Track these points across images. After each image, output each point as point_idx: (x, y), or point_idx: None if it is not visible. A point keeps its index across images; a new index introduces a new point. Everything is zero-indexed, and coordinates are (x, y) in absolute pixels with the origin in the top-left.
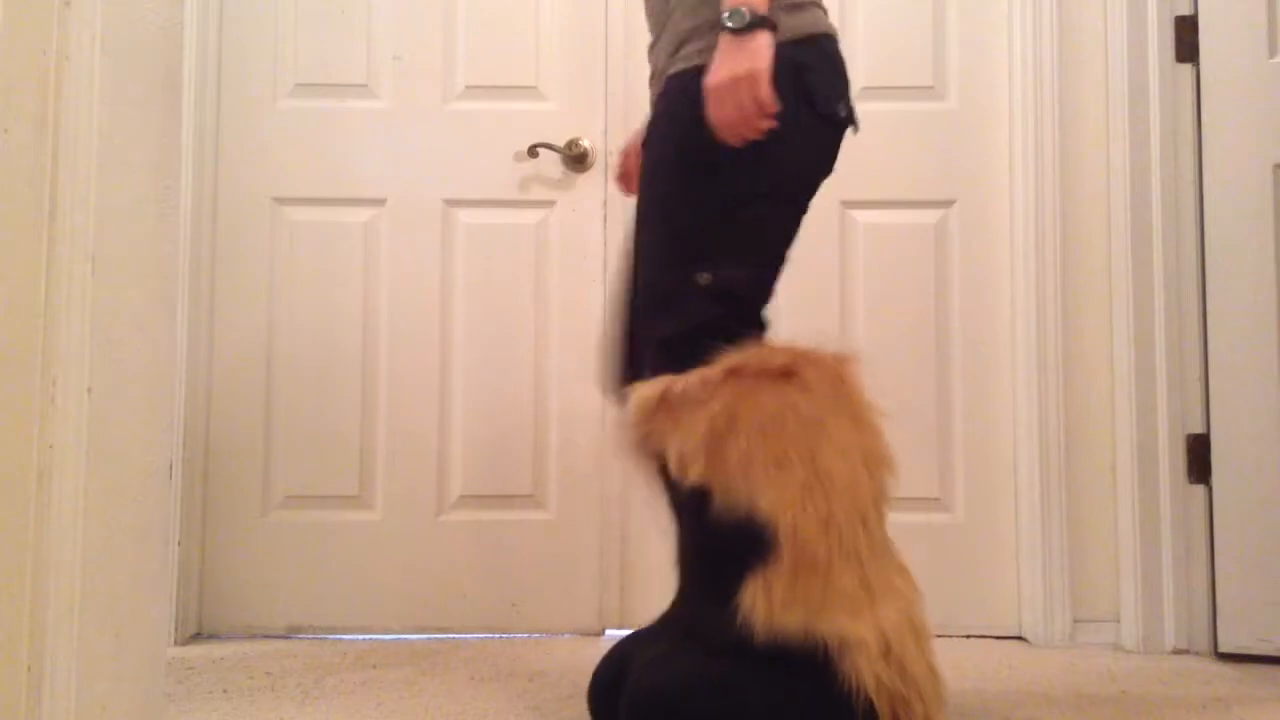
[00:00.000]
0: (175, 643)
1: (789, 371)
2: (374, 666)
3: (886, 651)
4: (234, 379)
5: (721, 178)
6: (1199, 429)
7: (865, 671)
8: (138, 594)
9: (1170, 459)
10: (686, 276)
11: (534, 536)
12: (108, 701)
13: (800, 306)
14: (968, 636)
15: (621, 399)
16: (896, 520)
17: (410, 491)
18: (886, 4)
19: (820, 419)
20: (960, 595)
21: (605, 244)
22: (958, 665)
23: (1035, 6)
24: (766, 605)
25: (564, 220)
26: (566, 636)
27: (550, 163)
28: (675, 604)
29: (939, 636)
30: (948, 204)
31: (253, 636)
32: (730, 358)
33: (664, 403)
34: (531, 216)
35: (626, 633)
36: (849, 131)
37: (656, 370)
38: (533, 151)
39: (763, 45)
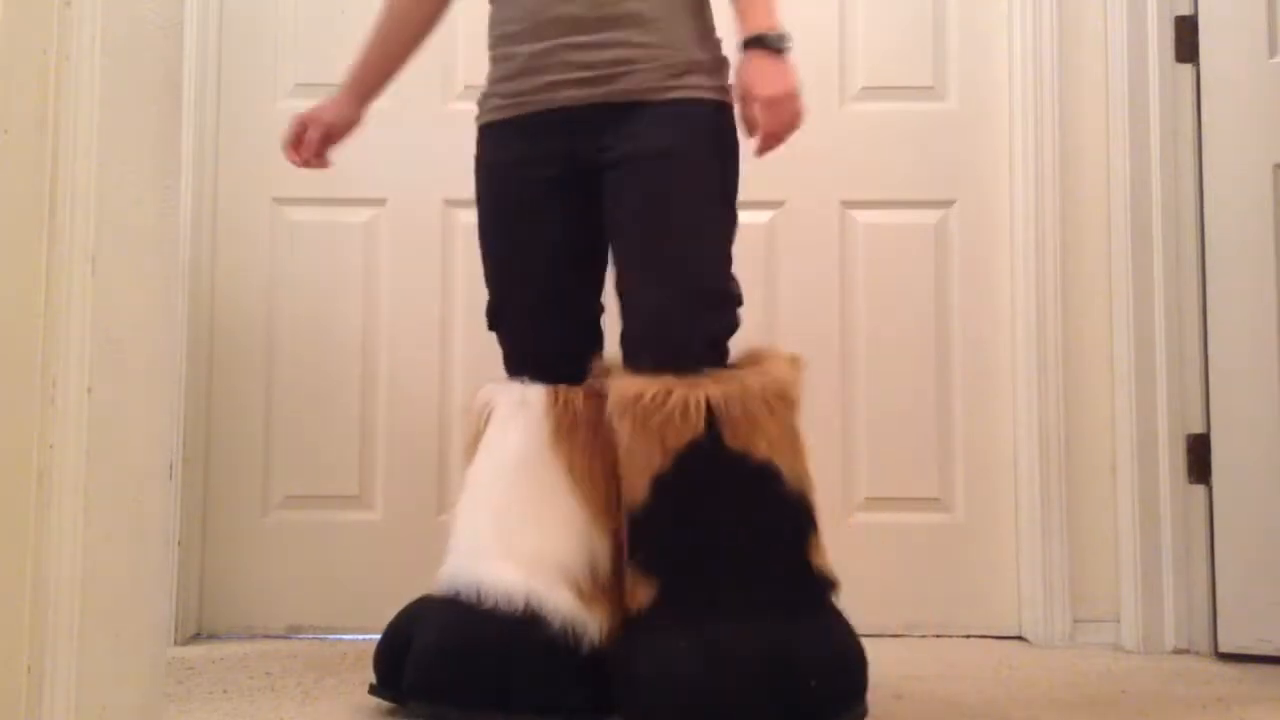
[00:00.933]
0: (175, 643)
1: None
2: None
3: None
4: (234, 379)
5: (734, 198)
6: (1199, 429)
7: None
8: (138, 594)
9: (1170, 459)
10: (731, 284)
11: None
12: (108, 701)
13: (800, 306)
14: (968, 636)
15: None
16: (897, 520)
17: (410, 491)
18: (886, 4)
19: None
20: (960, 595)
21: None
22: (958, 665)
23: (1035, 6)
24: (824, 561)
25: None
26: None
27: None
28: (672, 593)
29: (939, 636)
30: (948, 204)
31: (253, 636)
32: (754, 352)
33: (751, 393)
34: None
35: None
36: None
37: (712, 364)
38: None
39: (792, 65)
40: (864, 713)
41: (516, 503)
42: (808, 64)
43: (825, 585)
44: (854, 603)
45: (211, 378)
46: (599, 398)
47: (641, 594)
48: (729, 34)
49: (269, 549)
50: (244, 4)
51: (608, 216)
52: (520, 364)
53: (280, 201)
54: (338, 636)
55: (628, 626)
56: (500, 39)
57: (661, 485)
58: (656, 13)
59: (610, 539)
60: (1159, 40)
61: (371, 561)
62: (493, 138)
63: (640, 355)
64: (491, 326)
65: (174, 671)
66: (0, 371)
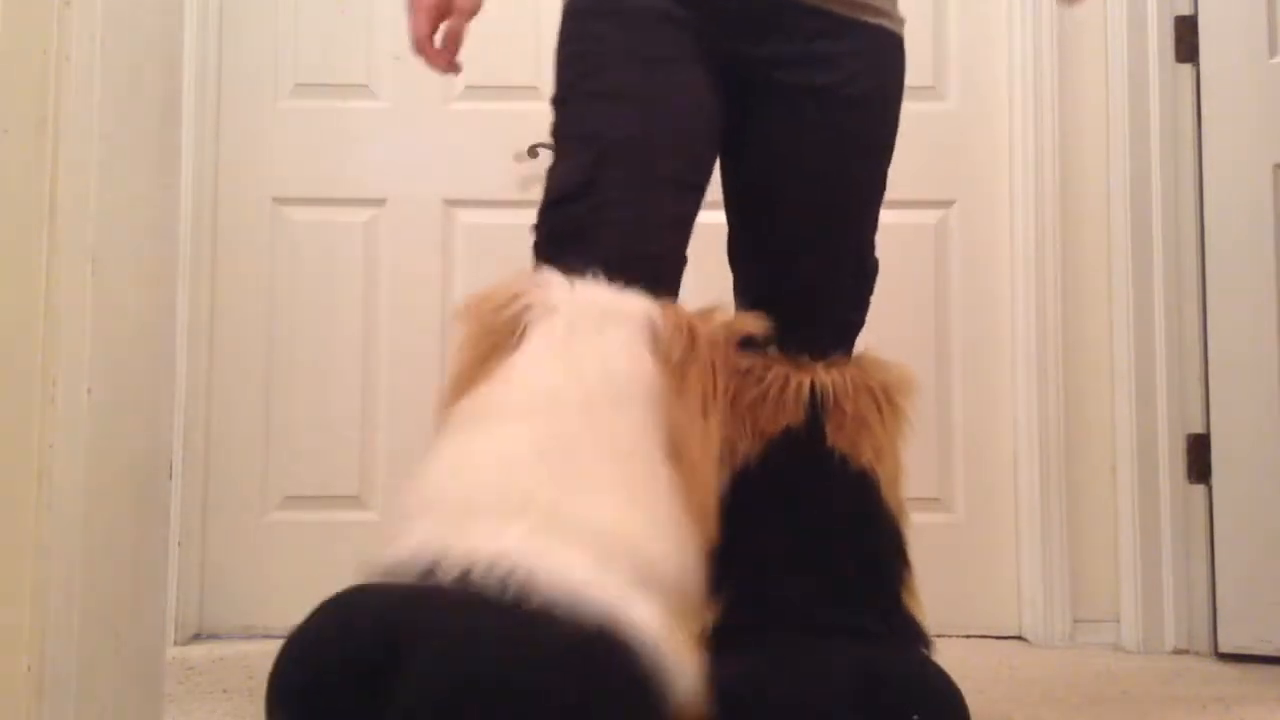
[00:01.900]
0: (175, 643)
1: None
2: None
3: None
4: (234, 379)
5: None
6: (1199, 429)
7: None
8: (138, 594)
9: (1170, 459)
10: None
11: None
12: (108, 701)
13: None
14: (968, 636)
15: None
16: None
17: None
18: None
19: None
20: (960, 595)
21: None
22: (958, 665)
23: (1035, 6)
24: (919, 609)
25: None
26: None
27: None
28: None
29: (939, 636)
30: (948, 204)
31: (253, 636)
32: (857, 355)
33: (864, 388)
34: (531, 216)
35: None
36: None
37: (847, 352)
38: (533, 151)
39: None
40: None
41: (586, 451)
42: None
43: (918, 635)
44: None
45: (211, 378)
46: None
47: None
48: None
49: (269, 549)
50: (244, 4)
51: (758, 148)
52: (603, 261)
53: (280, 201)
54: None
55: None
56: None
57: (745, 479)
58: None
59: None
60: (1159, 40)
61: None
62: None
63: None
64: (558, 213)
65: (174, 671)
66: (0, 371)
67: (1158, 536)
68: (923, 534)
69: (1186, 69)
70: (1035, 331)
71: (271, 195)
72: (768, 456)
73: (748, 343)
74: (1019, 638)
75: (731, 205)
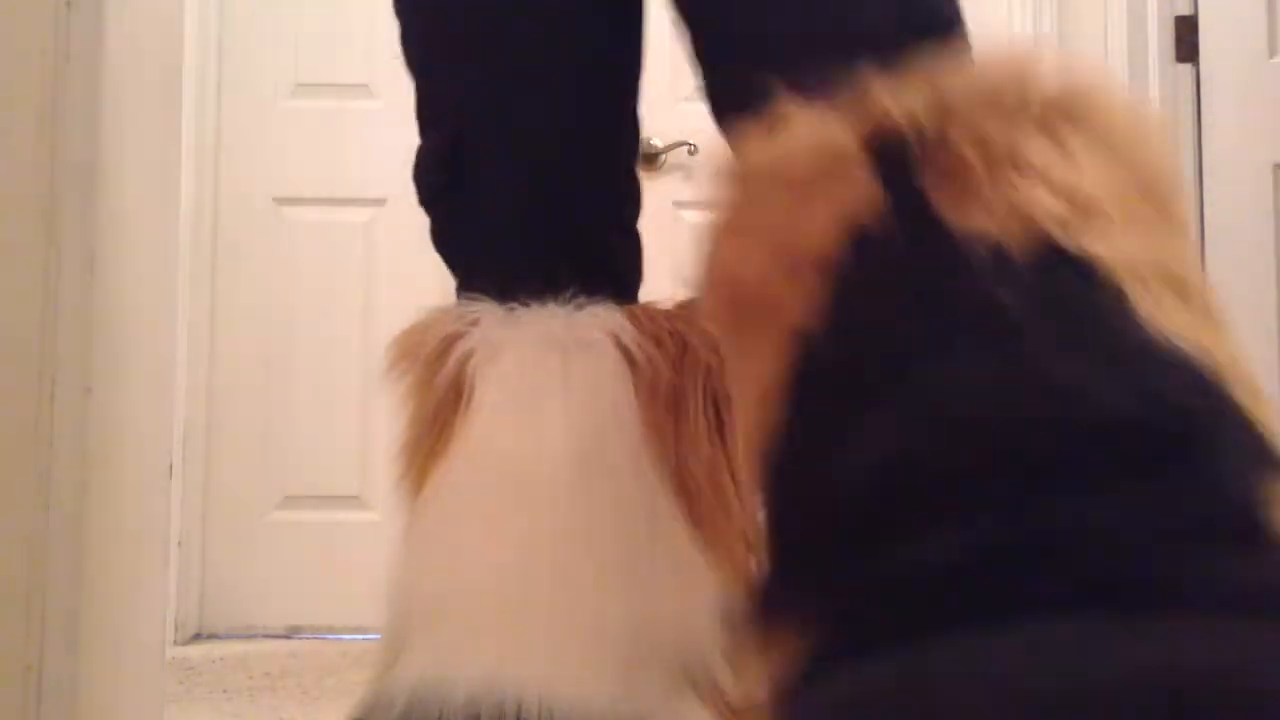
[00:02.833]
0: (175, 643)
1: None
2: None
3: None
4: (234, 378)
5: None
6: None
7: None
8: (138, 594)
9: None
10: None
11: None
12: (107, 702)
13: None
14: None
15: None
16: None
17: None
18: None
19: None
20: None
21: None
22: None
23: (1035, 6)
24: None
25: None
26: None
27: None
28: None
29: None
30: None
31: (253, 636)
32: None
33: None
34: None
35: None
36: None
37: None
38: None
39: None
40: None
41: (578, 535)
42: None
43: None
44: None
45: (212, 378)
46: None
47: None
48: None
49: (269, 549)
50: (244, 4)
51: None
52: (502, 263)
53: (280, 201)
54: (338, 636)
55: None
56: None
57: (819, 350)
58: None
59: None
60: (1159, 40)
61: (371, 561)
62: None
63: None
64: (436, 189)
65: (174, 671)
66: (0, 371)
67: None
68: None
69: (1186, 69)
70: None
71: (272, 195)
72: (849, 292)
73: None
74: None
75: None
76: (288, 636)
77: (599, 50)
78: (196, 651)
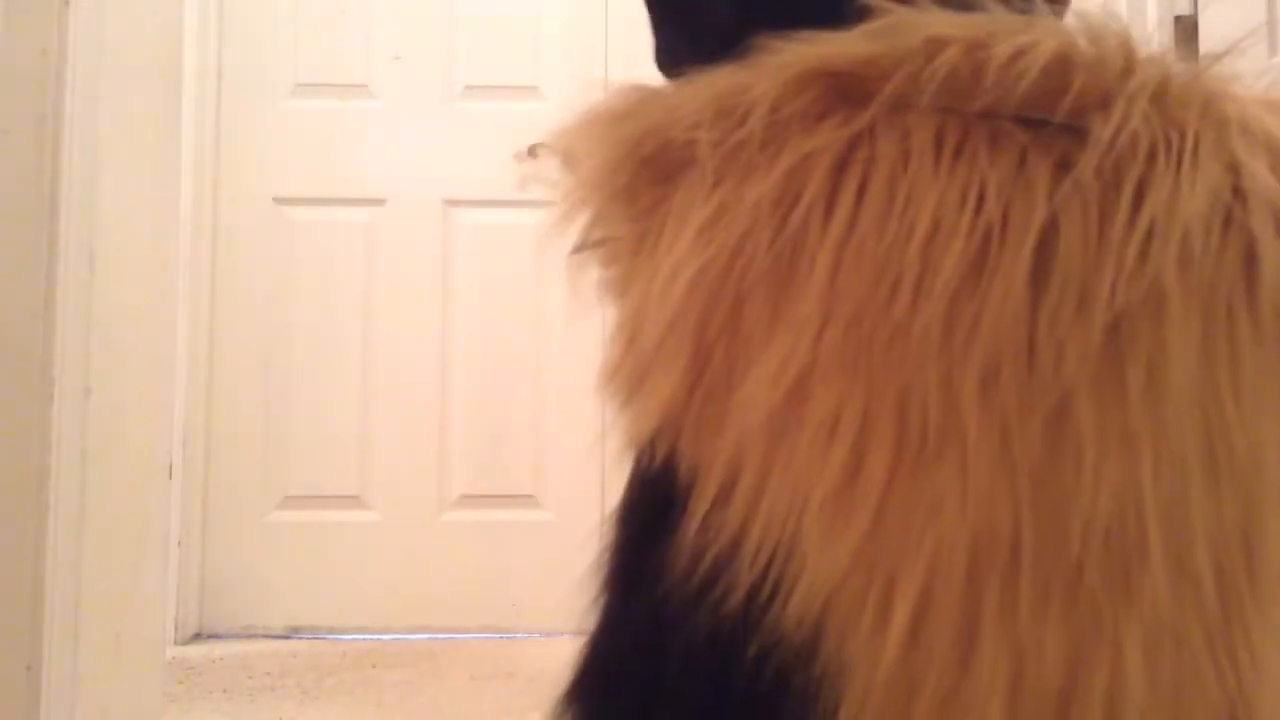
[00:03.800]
0: (175, 643)
1: None
2: (374, 666)
3: None
4: (234, 379)
5: None
6: None
7: None
8: (138, 594)
9: None
10: None
11: (534, 536)
12: (107, 702)
13: None
14: None
15: None
16: None
17: (410, 491)
18: None
19: None
20: None
21: None
22: None
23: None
24: None
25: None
26: (566, 636)
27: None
28: None
29: None
30: None
31: (253, 636)
32: None
33: None
34: (531, 216)
35: None
36: None
37: None
38: (532, 151)
39: None
40: None
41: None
42: None
43: None
44: None
45: (211, 378)
46: None
47: None
48: None
49: (269, 549)
50: (244, 4)
51: None
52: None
53: (280, 201)
54: (338, 636)
55: None
56: None
57: None
58: None
59: None
60: (1159, 40)
61: (371, 561)
62: None
63: None
64: None
65: (174, 671)
66: (0, 371)
67: None
68: None
69: None
70: None
71: (272, 195)
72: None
73: None
74: None
75: None
76: (288, 636)
77: None
78: (196, 651)
